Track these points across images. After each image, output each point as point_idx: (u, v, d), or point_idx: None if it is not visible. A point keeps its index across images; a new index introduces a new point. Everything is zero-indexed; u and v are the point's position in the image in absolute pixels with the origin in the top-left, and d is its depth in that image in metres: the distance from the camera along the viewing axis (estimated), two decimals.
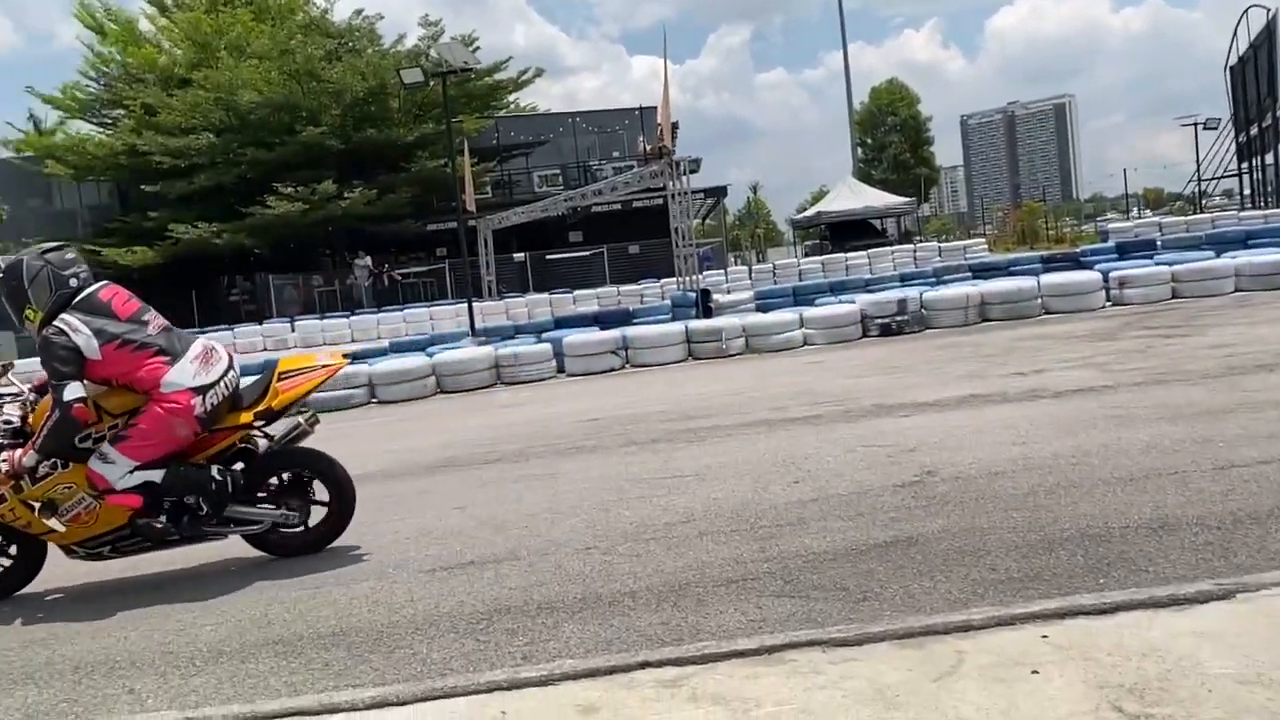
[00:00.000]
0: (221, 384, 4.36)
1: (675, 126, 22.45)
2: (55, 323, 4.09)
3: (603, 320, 15.88)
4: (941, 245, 33.22)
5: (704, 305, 16.36)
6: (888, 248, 31.12)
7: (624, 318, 16.18)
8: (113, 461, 4.13)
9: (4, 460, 4.14)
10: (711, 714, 2.60)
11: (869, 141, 63.15)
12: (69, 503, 4.25)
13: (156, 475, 4.22)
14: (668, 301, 18.77)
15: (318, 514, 4.72)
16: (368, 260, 31.73)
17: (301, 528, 4.68)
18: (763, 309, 15.47)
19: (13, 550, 4.52)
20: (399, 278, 32.66)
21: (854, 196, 37.43)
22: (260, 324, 27.63)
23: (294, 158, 30.59)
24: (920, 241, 37.14)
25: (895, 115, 63.39)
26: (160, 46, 34.23)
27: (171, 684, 3.21)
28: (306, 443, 4.74)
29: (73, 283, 4.23)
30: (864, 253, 29.11)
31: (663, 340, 12.42)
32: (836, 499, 4.70)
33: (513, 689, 2.91)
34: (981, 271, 17.11)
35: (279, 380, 4.57)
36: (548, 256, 32.52)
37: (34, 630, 3.96)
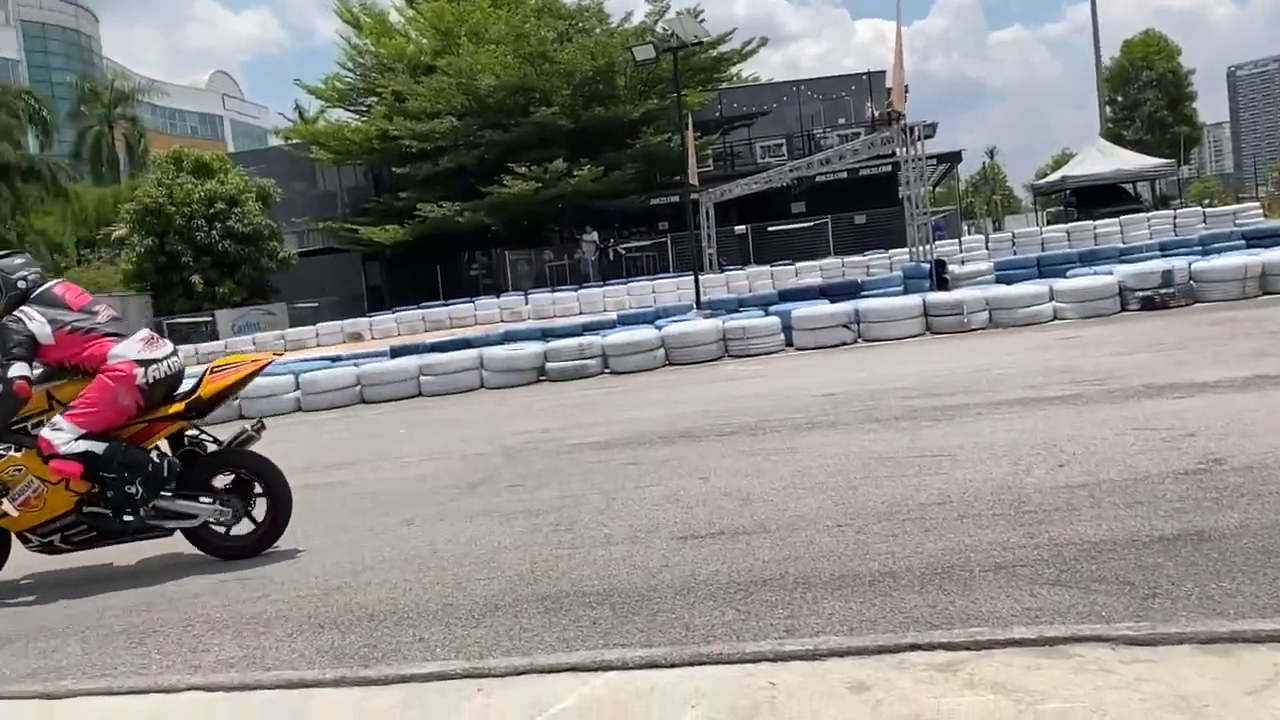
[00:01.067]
0: (165, 364, 4.66)
1: (905, 90, 21.56)
2: (15, 313, 4.51)
3: (829, 293, 15.59)
4: (1206, 211, 30.10)
5: (938, 277, 15.71)
6: (1142, 214, 28.58)
7: (852, 290, 15.81)
8: (60, 429, 4.43)
9: None
10: (994, 703, 2.49)
11: (1119, 99, 58.11)
12: (19, 486, 4.53)
13: (99, 447, 4.47)
14: (897, 273, 18.15)
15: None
16: (594, 235, 32.75)
17: (237, 528, 4.87)
18: (1004, 280, 14.64)
19: None
20: (623, 252, 33.50)
21: (1103, 159, 34.57)
22: (498, 296, 29.20)
23: (527, 138, 31.94)
24: (1180, 207, 33.83)
25: (1151, 70, 57.92)
26: (408, 36, 36.59)
27: (455, 635, 3.45)
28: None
29: (21, 284, 4.61)
30: (1115, 220, 26.89)
31: (898, 314, 12.02)
32: (1109, 485, 4.37)
33: (778, 661, 2.92)
34: (1257, 239, 15.39)
35: (210, 374, 4.82)
36: (769, 228, 32.25)
37: (331, 579, 4.36)
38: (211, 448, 4.98)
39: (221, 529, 4.87)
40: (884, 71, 36.83)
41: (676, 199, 34.41)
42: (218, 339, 29.12)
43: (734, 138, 37.77)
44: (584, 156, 31.95)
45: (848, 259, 26.91)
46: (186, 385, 4.86)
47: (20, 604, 4.51)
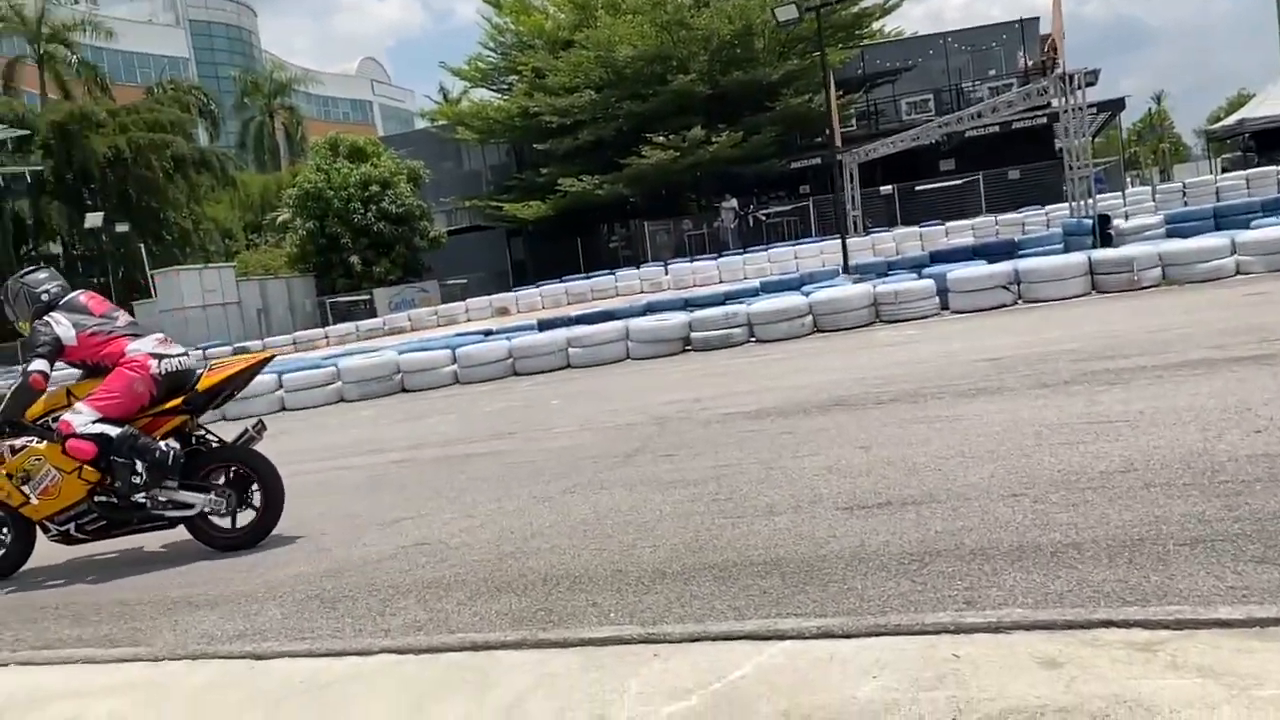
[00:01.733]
0: (176, 360, 5.07)
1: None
2: (44, 318, 5.01)
3: (984, 253, 14.98)
4: None
5: (1102, 233, 14.84)
6: None
7: (1008, 249, 15.12)
8: (80, 412, 4.86)
9: None
10: (1202, 687, 2.35)
11: None
12: (39, 474, 4.93)
13: (113, 431, 4.84)
14: (1055, 230, 17.23)
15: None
16: (733, 202, 32.46)
17: (230, 519, 5.12)
18: (1175, 235, 13.69)
19: (6, 535, 5.24)
20: (763, 218, 33.10)
21: None
22: (638, 268, 29.40)
23: (665, 107, 31.89)
24: None
25: None
26: (547, 13, 37.00)
27: (627, 600, 3.51)
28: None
29: (44, 297, 5.12)
30: None
31: (1062, 272, 11.42)
32: None
33: (960, 633, 2.84)
34: None
35: (208, 371, 5.19)
36: (916, 187, 31.20)
37: (503, 545, 4.52)
38: (215, 445, 5.32)
39: (219, 520, 5.16)
40: (1036, 19, 34.94)
41: (818, 161, 33.73)
42: (376, 316, 30.51)
43: (877, 95, 36.61)
44: (722, 122, 31.65)
45: (1001, 217, 25.74)
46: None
47: (221, 573, 4.85)
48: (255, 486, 5.17)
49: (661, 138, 31.04)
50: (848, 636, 2.92)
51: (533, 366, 12.59)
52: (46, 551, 5.34)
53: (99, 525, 5.16)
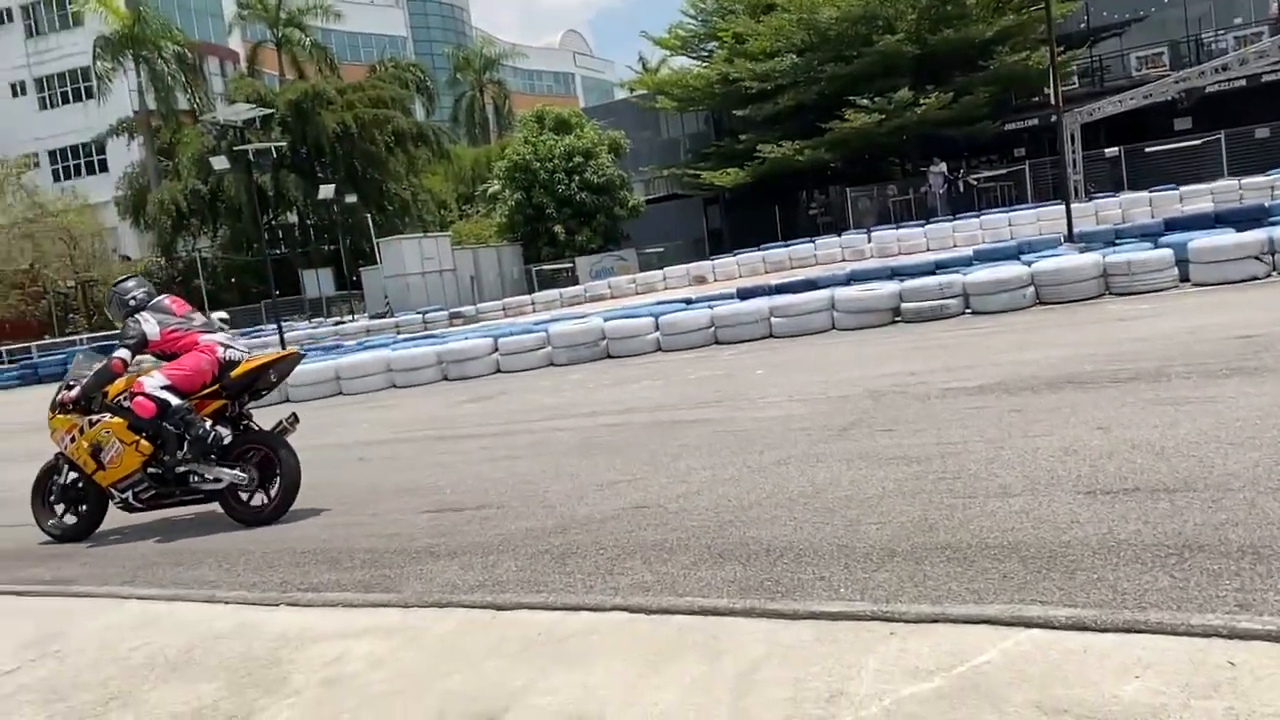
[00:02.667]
0: (237, 349, 5.98)
1: None
2: (136, 316, 5.90)
3: (1229, 219, 13.62)
4: None
5: None
6: None
7: (1258, 215, 13.69)
8: (153, 376, 5.71)
9: (62, 397, 5.96)
10: None
11: None
12: (108, 445, 5.77)
13: (174, 400, 5.64)
14: None
15: None
16: (942, 166, 31.10)
17: (253, 496, 5.75)
18: None
19: (83, 509, 6.13)
20: (974, 183, 31.53)
21: None
22: (839, 235, 28.76)
23: (870, 69, 30.85)
24: None
25: None
26: None
27: (857, 576, 3.46)
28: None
29: (132, 302, 6.02)
30: None
31: None
32: None
33: (1234, 638, 2.62)
34: None
35: (245, 362, 5.90)
36: (1146, 149, 28.78)
37: (722, 513, 4.56)
38: (253, 430, 6.00)
39: (245, 495, 5.78)
40: None
41: (1035, 122, 31.77)
42: (578, 284, 31.42)
43: (1103, 50, 33.94)
44: (930, 83, 30.31)
45: (1245, 180, 23.36)
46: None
47: (460, 525, 5.16)
48: (277, 471, 5.71)
49: (865, 100, 30.09)
50: (1102, 630, 2.76)
51: (734, 335, 12.59)
52: (304, 501, 5.85)
53: (150, 495, 5.91)
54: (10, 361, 32.56)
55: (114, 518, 6.18)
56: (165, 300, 6.13)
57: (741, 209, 36.61)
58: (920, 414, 6.20)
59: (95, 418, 5.88)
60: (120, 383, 5.88)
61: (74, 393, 5.95)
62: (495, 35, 67.02)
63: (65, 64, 48.06)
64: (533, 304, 29.17)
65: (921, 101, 29.69)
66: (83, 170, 48.59)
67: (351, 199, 36.22)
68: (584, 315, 15.25)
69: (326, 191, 31.54)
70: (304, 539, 5.33)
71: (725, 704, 2.66)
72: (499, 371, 13.41)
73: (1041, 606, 2.96)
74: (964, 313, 11.47)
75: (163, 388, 5.67)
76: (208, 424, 5.72)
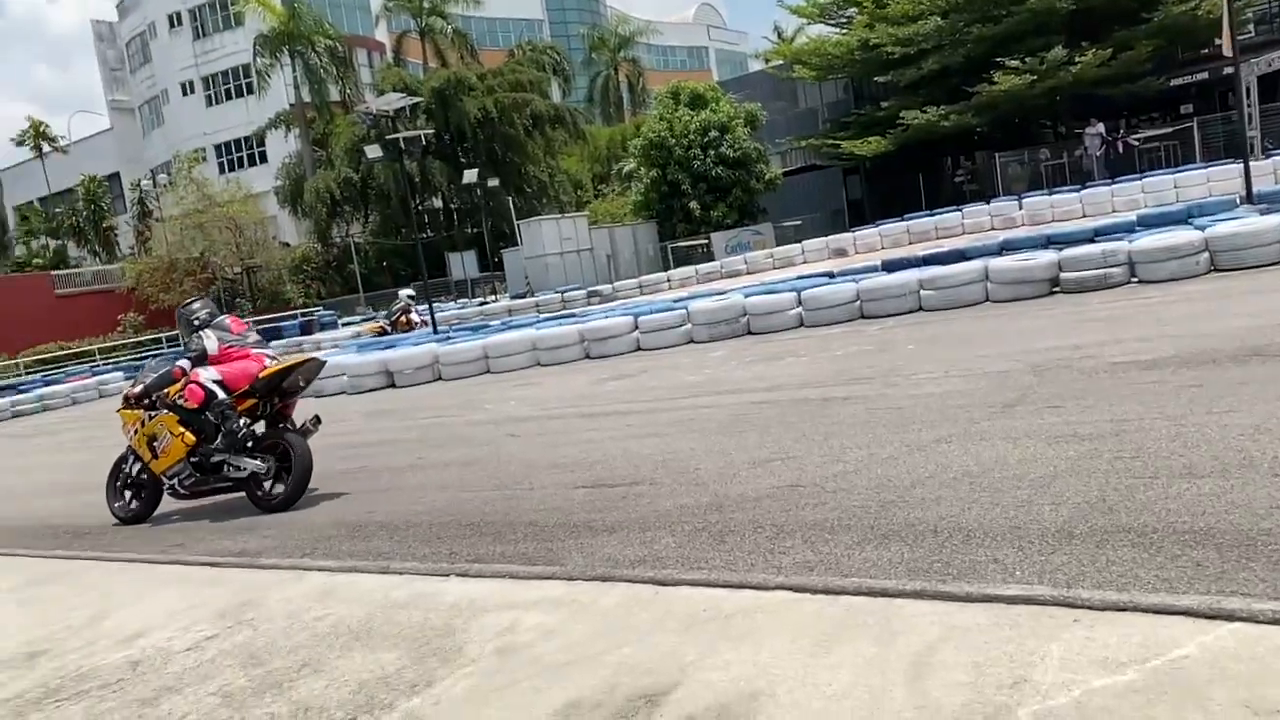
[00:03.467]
0: (275, 362, 6.85)
1: None
2: (199, 333, 6.77)
3: None
4: None
5: None
6: None
7: None
8: (208, 369, 6.60)
9: (129, 392, 7.00)
10: None
11: None
12: (160, 437, 6.68)
13: (220, 393, 6.53)
14: None
15: None
16: (1099, 127, 29.32)
17: (273, 485, 6.51)
18: None
19: (143, 494, 7.07)
20: (1135, 143, 29.62)
21: None
22: (987, 203, 27.60)
23: (1020, 28, 29.34)
24: None
25: None
26: None
27: (1032, 559, 3.33)
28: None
29: (196, 321, 6.87)
30: None
31: None
32: None
33: None
34: None
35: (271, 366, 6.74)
36: None
37: (882, 493, 4.47)
38: (280, 427, 6.79)
39: (266, 483, 6.53)
40: None
41: (1204, 76, 29.52)
42: (713, 259, 31.31)
43: None
44: (1086, 40, 28.56)
45: None
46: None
47: (615, 502, 5.23)
48: (287, 464, 6.45)
49: (1016, 61, 28.62)
50: None
51: (881, 309, 12.28)
52: (464, 475, 6.07)
53: (191, 481, 6.76)
54: None
55: (231, 508, 6.58)
56: (226, 319, 7.08)
57: (883, 178, 35.59)
58: (1089, 389, 5.90)
59: (154, 414, 6.82)
60: (177, 386, 6.75)
61: (138, 390, 6.95)
62: (629, 13, 67.10)
63: (228, 63, 51.03)
64: (669, 281, 29.25)
65: (1077, 60, 28.03)
66: (245, 162, 51.55)
67: (493, 183, 37.14)
68: (722, 292, 15.17)
69: (470, 176, 32.44)
70: (467, 512, 5.53)
71: (901, 686, 2.61)
72: (639, 349, 13.51)
73: (1243, 599, 2.77)
74: (1129, 282, 10.81)
75: (214, 381, 6.60)
76: (242, 420, 6.61)
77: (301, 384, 6.85)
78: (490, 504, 5.64)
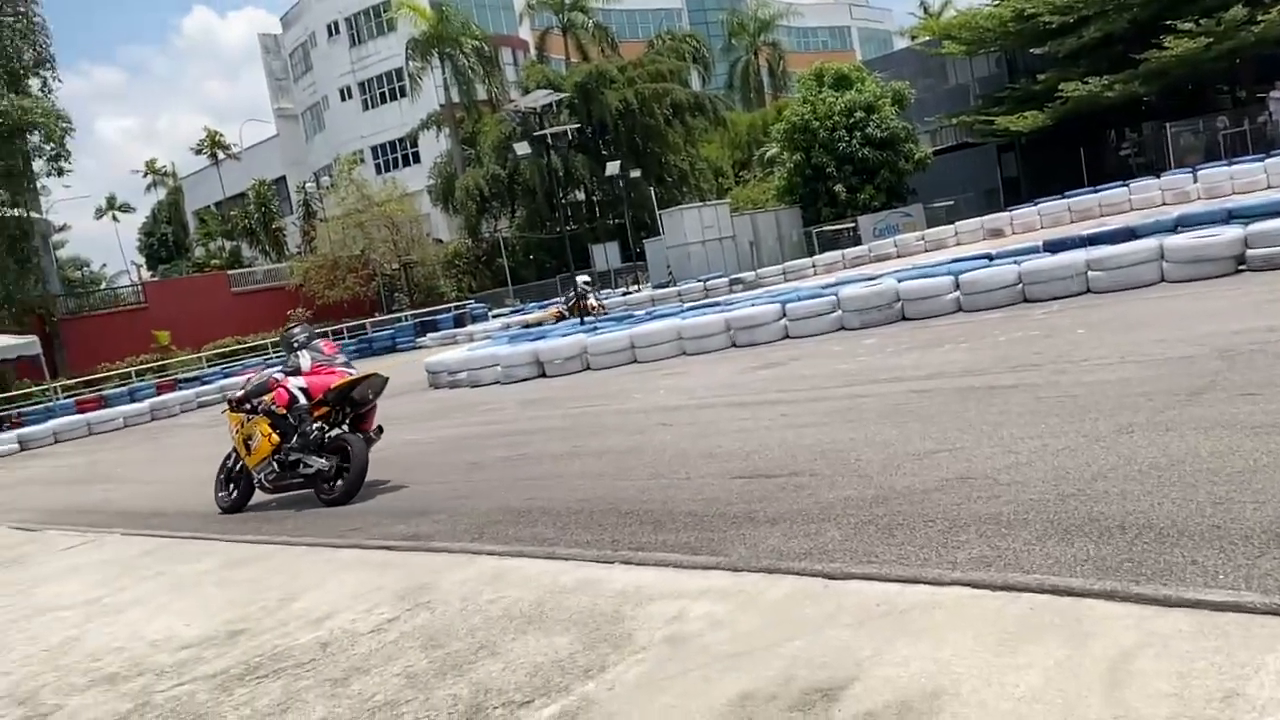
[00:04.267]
0: (353, 376, 7.65)
1: None
2: (296, 352, 7.77)
3: None
4: None
5: None
6: None
7: None
8: (296, 378, 7.59)
9: (234, 397, 8.04)
10: None
11: None
12: (254, 437, 7.65)
13: (302, 399, 7.49)
14: None
15: None
16: None
17: (334, 482, 7.34)
18: None
19: (240, 487, 8.03)
20: None
21: None
22: (1157, 177, 25.92)
23: None
24: None
25: None
26: None
27: (1236, 562, 3.10)
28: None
29: (295, 343, 7.86)
30: None
31: None
32: None
33: None
34: None
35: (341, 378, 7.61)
36: None
37: (1061, 485, 4.26)
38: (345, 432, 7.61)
39: (328, 482, 7.36)
40: None
41: None
42: (860, 244, 30.63)
43: None
44: None
45: None
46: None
47: (773, 493, 5.19)
48: (347, 464, 7.29)
49: (1189, 23, 26.74)
50: None
51: (1044, 292, 11.70)
52: (618, 463, 6.15)
53: (274, 477, 7.65)
54: (350, 336, 36.89)
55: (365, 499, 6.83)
56: (320, 343, 8.07)
57: (1040, 154, 33.95)
58: None
59: (251, 417, 7.76)
60: (268, 396, 7.70)
61: (240, 395, 7.98)
62: None
63: (382, 68, 53.29)
64: (814, 267, 28.80)
65: (1259, 18, 25.93)
66: (400, 162, 53.76)
67: (635, 173, 37.48)
68: (872, 276, 14.81)
69: (613, 168, 32.81)
70: (625, 500, 5.60)
71: (1098, 693, 2.48)
72: (787, 337, 13.35)
73: None
74: None
75: (299, 388, 7.55)
76: (315, 424, 7.47)
77: (370, 395, 7.68)
78: (647, 492, 5.69)
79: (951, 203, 32.93)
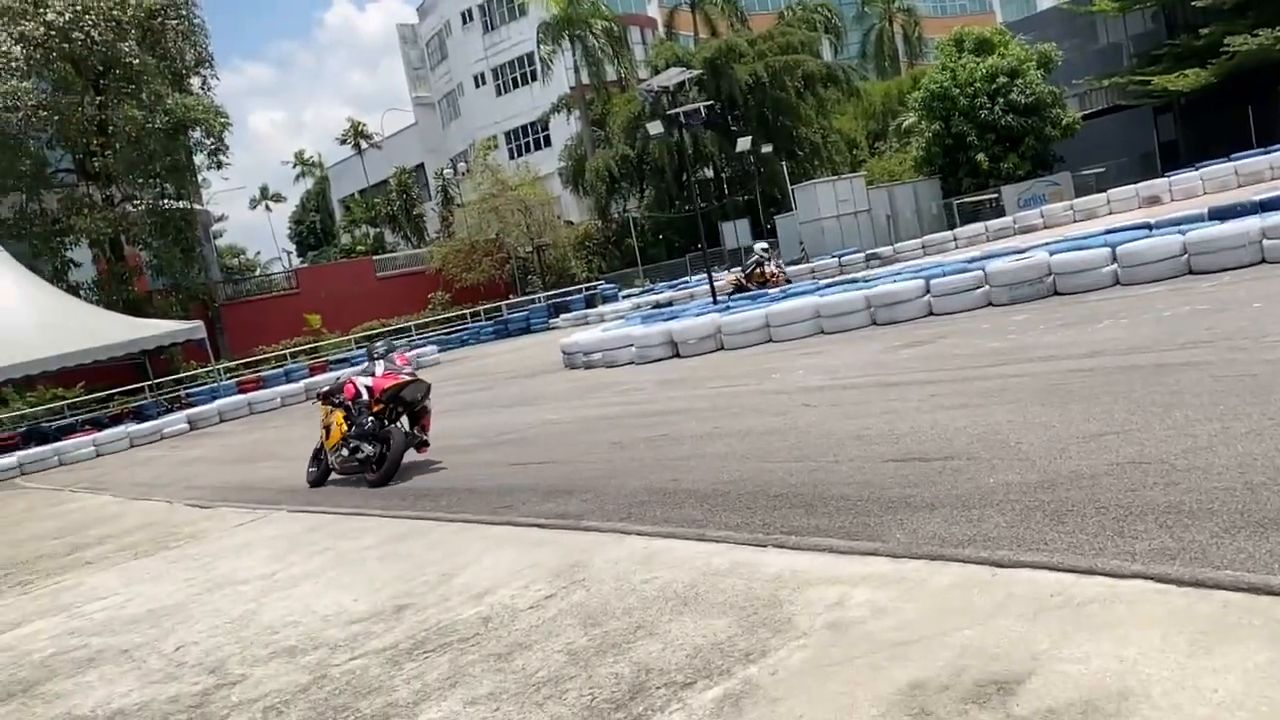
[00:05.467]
0: (411, 378, 8.87)
1: None
2: (373, 362, 9.08)
3: None
4: None
5: None
6: None
7: None
8: (363, 377, 8.92)
9: (319, 392, 9.66)
10: None
11: None
12: (331, 426, 9.11)
13: (365, 394, 8.75)
14: None
15: None
16: None
17: (376, 469, 8.64)
18: None
19: (317, 467, 9.51)
20: None
21: None
22: None
23: None
24: None
25: None
26: None
27: None
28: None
29: (374, 354, 9.19)
30: None
31: None
32: None
33: None
34: None
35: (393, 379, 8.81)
36: None
37: (1247, 473, 3.98)
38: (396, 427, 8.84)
39: (373, 467, 8.67)
40: None
41: None
42: (1004, 215, 29.41)
43: None
44: None
45: None
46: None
47: (932, 476, 5.05)
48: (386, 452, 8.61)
49: None
50: None
51: (1213, 264, 10.95)
52: (760, 444, 6.09)
53: (340, 460, 8.96)
54: (487, 318, 37.91)
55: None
56: (395, 356, 9.29)
57: (1202, 115, 31.75)
58: None
59: (333, 409, 9.13)
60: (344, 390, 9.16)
61: (325, 390, 9.44)
62: None
63: (514, 53, 54.19)
64: (954, 240, 27.85)
65: None
66: (531, 146, 54.67)
67: (766, 148, 36.96)
68: (1020, 249, 14.18)
69: (744, 144, 32.45)
70: (773, 482, 5.56)
71: None
72: (930, 314, 12.95)
73: None
74: None
75: (364, 386, 8.82)
76: (370, 418, 8.69)
77: (419, 396, 8.85)
78: (795, 475, 5.63)
79: (1103, 169, 31.22)
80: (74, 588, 7.16)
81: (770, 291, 18.90)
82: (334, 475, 9.41)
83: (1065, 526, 3.80)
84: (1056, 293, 12.06)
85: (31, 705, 4.46)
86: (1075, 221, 25.95)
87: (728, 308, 16.54)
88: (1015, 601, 3.21)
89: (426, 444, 9.08)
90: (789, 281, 22.61)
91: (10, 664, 5.30)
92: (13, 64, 29.81)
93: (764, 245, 24.02)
